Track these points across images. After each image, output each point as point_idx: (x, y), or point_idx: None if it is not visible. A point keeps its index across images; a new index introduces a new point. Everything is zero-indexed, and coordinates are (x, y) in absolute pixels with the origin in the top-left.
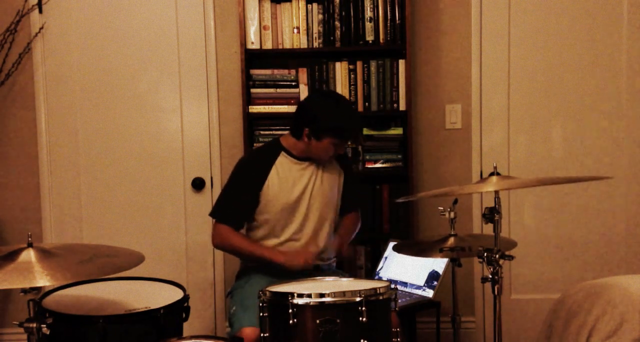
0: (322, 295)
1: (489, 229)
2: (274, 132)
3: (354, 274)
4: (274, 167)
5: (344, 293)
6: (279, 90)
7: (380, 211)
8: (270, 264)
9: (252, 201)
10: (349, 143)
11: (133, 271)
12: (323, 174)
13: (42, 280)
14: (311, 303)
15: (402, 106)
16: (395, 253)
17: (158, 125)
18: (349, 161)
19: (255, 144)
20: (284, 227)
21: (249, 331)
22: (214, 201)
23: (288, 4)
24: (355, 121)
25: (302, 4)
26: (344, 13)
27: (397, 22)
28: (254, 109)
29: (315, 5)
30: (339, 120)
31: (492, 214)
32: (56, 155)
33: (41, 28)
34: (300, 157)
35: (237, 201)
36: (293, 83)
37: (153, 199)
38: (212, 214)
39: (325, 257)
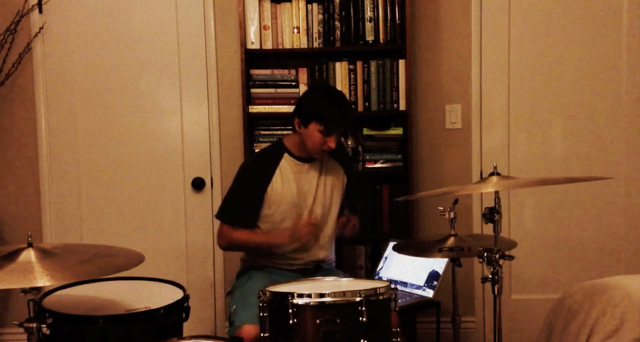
0: (322, 295)
1: (489, 229)
2: (274, 132)
3: (354, 274)
4: (277, 169)
5: (344, 293)
6: (279, 90)
7: (380, 211)
8: (270, 263)
9: (256, 203)
10: (346, 140)
11: (133, 271)
12: (326, 177)
13: (42, 280)
14: (311, 303)
15: (402, 106)
16: (395, 253)
17: (158, 125)
18: (353, 167)
19: (255, 144)
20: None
21: (249, 328)
22: (214, 201)
23: (288, 4)
24: (342, 110)
25: (302, 4)
26: (344, 13)
27: (397, 22)
28: (254, 109)
29: (315, 5)
30: (323, 105)
31: (492, 214)
32: (56, 155)
33: (41, 28)
34: (302, 158)
35: (242, 203)
36: (293, 83)
37: (153, 199)
38: (218, 216)
39: (326, 258)
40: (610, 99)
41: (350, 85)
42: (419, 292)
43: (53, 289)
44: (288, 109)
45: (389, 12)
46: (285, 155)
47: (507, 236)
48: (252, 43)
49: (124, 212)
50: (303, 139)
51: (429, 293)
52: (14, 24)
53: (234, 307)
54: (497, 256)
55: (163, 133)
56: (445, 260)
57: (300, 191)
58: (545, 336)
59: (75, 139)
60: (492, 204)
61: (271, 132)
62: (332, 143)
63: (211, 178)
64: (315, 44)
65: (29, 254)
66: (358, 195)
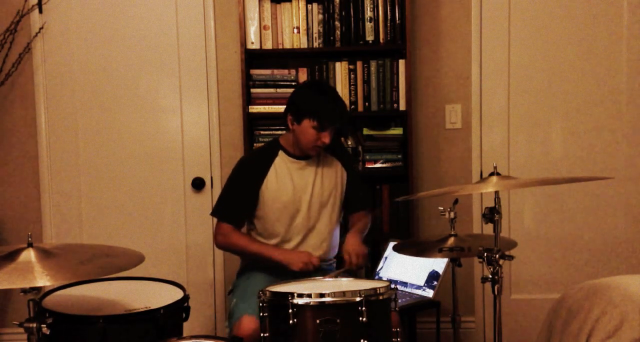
0: (322, 295)
1: (489, 229)
2: (274, 132)
3: (354, 274)
4: (272, 166)
5: (344, 293)
6: (279, 90)
7: (380, 211)
8: (270, 262)
9: (251, 200)
10: (345, 140)
11: (133, 271)
12: (323, 174)
13: (42, 280)
14: (311, 303)
15: (402, 106)
16: (395, 253)
17: (158, 125)
18: (352, 162)
19: (255, 144)
20: (282, 226)
21: (248, 319)
22: (214, 201)
23: (288, 4)
24: (335, 106)
25: (302, 4)
26: (344, 13)
27: (397, 22)
28: (254, 109)
29: (315, 5)
30: (316, 101)
31: (492, 214)
32: (56, 155)
33: (41, 28)
34: (297, 156)
35: (237, 200)
36: (293, 83)
37: (153, 199)
38: (213, 213)
39: (322, 256)
40: (610, 99)
41: (350, 85)
42: (419, 292)
43: (53, 289)
44: None
45: (389, 12)
46: (280, 153)
47: (507, 236)
48: (252, 43)
49: (124, 212)
50: (296, 136)
51: (429, 293)
52: (14, 24)
53: (235, 301)
54: (497, 256)
55: (163, 133)
56: (445, 260)
57: (296, 189)
58: (545, 336)
59: (75, 139)
60: (492, 204)
61: (271, 132)
62: (325, 139)
63: (211, 178)
64: (315, 44)
65: (29, 254)
66: (362, 190)
